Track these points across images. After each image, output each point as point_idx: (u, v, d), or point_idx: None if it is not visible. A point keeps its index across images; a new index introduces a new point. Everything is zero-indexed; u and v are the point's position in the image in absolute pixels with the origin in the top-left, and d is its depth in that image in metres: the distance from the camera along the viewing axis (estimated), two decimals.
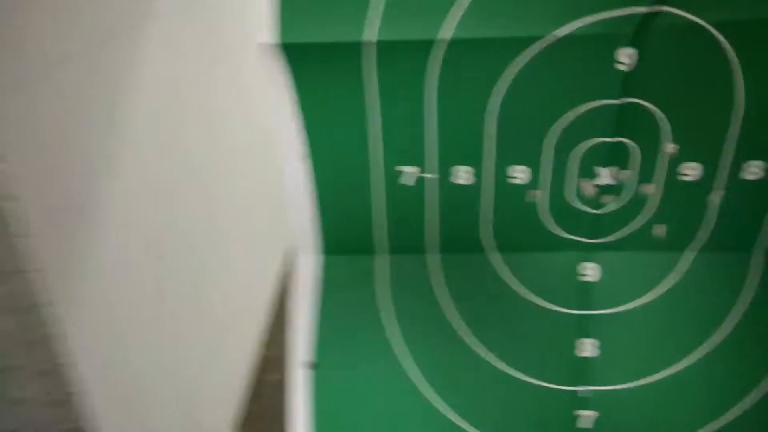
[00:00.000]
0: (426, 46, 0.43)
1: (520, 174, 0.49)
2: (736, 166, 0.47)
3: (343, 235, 0.53)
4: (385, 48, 0.43)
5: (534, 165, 0.49)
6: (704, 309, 0.53)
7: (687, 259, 0.52)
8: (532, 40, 0.42)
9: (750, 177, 0.47)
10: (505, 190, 0.50)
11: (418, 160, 0.49)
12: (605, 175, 0.49)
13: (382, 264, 0.55)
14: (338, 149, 0.49)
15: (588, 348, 0.54)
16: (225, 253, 0.93)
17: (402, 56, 0.44)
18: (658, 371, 0.54)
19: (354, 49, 0.44)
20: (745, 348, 0.53)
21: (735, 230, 0.50)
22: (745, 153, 0.46)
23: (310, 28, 0.43)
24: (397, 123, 0.47)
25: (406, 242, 0.54)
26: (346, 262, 0.55)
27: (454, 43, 0.43)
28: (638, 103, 0.45)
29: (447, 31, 0.42)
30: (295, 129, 0.48)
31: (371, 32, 0.43)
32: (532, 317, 0.55)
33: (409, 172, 0.49)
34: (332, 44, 0.43)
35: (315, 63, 0.44)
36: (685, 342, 0.54)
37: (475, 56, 0.43)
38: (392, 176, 0.50)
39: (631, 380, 0.54)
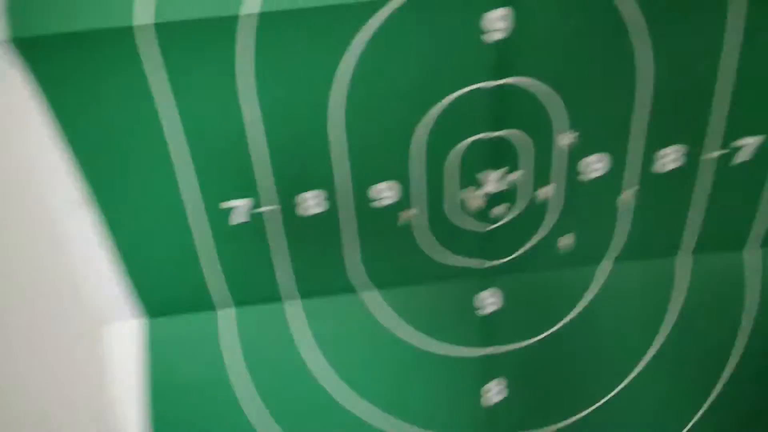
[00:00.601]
0: (226, 25, 0.30)
1: (385, 192, 0.37)
2: (649, 156, 0.37)
3: (167, 293, 0.40)
4: (165, 31, 0.30)
5: (402, 178, 0.37)
6: (628, 329, 0.44)
7: (603, 272, 0.42)
8: (372, 6, 0.31)
9: (667, 168, 0.38)
10: (368, 213, 0.38)
11: (248, 190, 0.36)
12: (492, 181, 0.38)
13: (226, 320, 0.41)
14: (133, 188, 0.35)
15: (494, 393, 0.43)
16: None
17: (190, 42, 0.31)
18: (581, 409, 0.44)
19: (125, 35, 0.30)
20: (677, 371, 0.44)
21: (655, 233, 0.41)
22: (658, 139, 0.37)
23: (50, 18, 0.30)
24: (209, 143, 0.34)
25: (255, 291, 0.41)
26: (183, 323, 0.41)
27: (266, 18, 0.30)
28: (519, 84, 0.34)
29: (251, 3, 0.30)
30: (65, 166, 0.34)
31: (146, 15, 0.30)
32: (422, 365, 0.43)
33: (239, 207, 0.37)
34: (77, 34, 0.30)
35: (60, 59, 0.30)
36: (608, 371, 0.44)
37: (296, 36, 0.31)
38: (216, 215, 0.37)
39: (547, 424, 0.44)
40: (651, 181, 0.38)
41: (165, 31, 0.30)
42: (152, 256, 0.38)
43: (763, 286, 0.43)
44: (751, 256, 0.42)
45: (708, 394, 0.44)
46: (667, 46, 0.33)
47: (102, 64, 0.31)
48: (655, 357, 0.44)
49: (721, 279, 0.43)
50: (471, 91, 0.34)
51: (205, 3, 0.30)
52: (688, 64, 0.34)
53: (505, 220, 0.40)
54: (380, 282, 0.42)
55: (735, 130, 0.36)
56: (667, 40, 0.33)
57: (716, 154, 0.37)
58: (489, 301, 0.43)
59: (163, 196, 0.36)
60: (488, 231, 0.40)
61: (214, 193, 0.36)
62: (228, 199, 0.36)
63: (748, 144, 0.37)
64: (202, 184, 0.35)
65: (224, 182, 0.36)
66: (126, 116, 0.33)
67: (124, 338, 0.41)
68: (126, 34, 0.30)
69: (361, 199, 0.37)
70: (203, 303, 0.41)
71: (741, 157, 0.38)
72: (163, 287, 0.40)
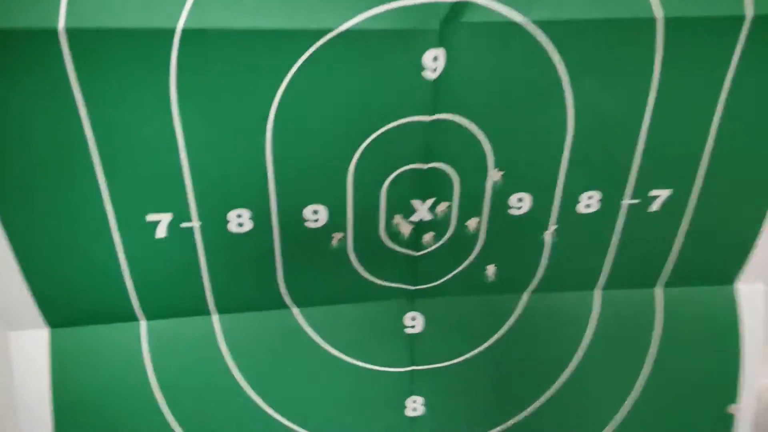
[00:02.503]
0: (148, 38, 0.30)
1: (316, 214, 0.38)
2: (571, 198, 0.39)
3: (86, 304, 0.39)
4: (78, 37, 0.30)
5: (333, 202, 0.38)
6: (545, 355, 0.46)
7: (523, 301, 0.44)
8: (310, 36, 0.31)
9: (586, 210, 0.40)
10: (299, 234, 0.38)
11: (175, 205, 0.36)
12: (421, 210, 0.39)
13: (153, 333, 0.41)
14: (52, 198, 0.34)
15: (411, 410, 0.45)
16: None
17: (110, 51, 0.30)
18: (494, 427, 0.46)
19: (49, 39, 0.29)
20: (586, 396, 0.47)
21: (573, 269, 0.43)
22: (579, 182, 0.39)
23: None
24: (134, 155, 0.34)
25: (182, 304, 0.40)
26: (106, 333, 0.40)
27: (189, 35, 0.30)
28: (452, 120, 0.35)
29: (174, 19, 0.30)
30: None
31: (59, 18, 0.29)
32: (350, 381, 0.44)
33: (164, 221, 0.36)
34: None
35: None
36: (520, 395, 0.46)
37: (224, 56, 0.31)
38: (138, 226, 0.36)
39: None
40: (572, 221, 0.40)
41: (77, 37, 0.29)
42: (68, 266, 0.37)
43: (665, 320, 0.46)
44: (658, 294, 0.45)
45: (612, 418, 0.47)
46: (588, 98, 0.35)
47: (24, 64, 0.30)
48: (566, 383, 0.46)
49: (631, 313, 0.46)
50: (406, 123, 0.35)
51: (126, 12, 0.29)
52: (608, 118, 0.36)
53: (433, 247, 0.41)
54: (310, 300, 0.42)
55: (649, 181, 0.39)
56: (588, 92, 0.35)
57: (632, 201, 0.40)
58: (413, 323, 0.44)
59: (85, 207, 0.35)
60: (416, 257, 0.41)
61: (139, 205, 0.35)
62: (154, 211, 0.36)
63: (661, 195, 0.40)
64: (127, 196, 0.35)
65: (150, 195, 0.35)
66: (47, 120, 0.32)
67: (34, 347, 0.39)
68: (51, 36, 0.29)
69: (292, 220, 0.38)
70: (127, 314, 0.40)
71: (654, 206, 0.40)
72: (82, 298, 0.39)
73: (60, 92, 0.31)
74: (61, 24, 0.29)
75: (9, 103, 0.31)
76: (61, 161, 0.33)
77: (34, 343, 0.40)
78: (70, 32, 0.29)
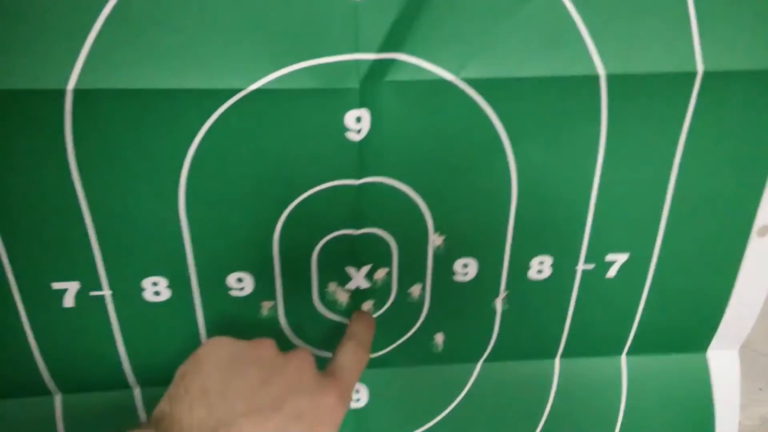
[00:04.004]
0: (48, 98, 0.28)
1: (241, 282, 0.35)
2: (521, 263, 0.36)
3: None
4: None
5: (258, 269, 0.35)
6: (499, 430, 0.42)
7: (476, 372, 0.41)
8: (217, 96, 0.29)
9: (538, 277, 0.37)
10: (222, 303, 0.35)
11: (79, 272, 0.33)
12: (357, 277, 0.36)
13: (68, 407, 0.38)
14: None
15: None
16: None
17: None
18: None
19: None
20: None
21: (530, 337, 0.39)
22: (528, 247, 0.36)
23: None
24: (33, 219, 0.31)
25: (95, 377, 0.37)
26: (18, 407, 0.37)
27: (80, 96, 0.28)
28: (384, 183, 0.33)
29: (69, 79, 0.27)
30: None
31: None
32: None
33: (68, 289, 0.33)
34: None
35: None
36: None
37: (119, 116, 0.29)
38: (44, 295, 0.33)
39: None
40: (524, 288, 0.37)
41: None
42: None
43: (632, 390, 0.42)
44: (623, 362, 0.42)
45: None
46: (531, 158, 0.32)
47: None
48: None
49: (595, 382, 0.42)
50: (332, 187, 0.32)
51: (15, 73, 0.27)
52: (554, 179, 0.33)
53: (374, 316, 0.38)
54: None
55: (604, 245, 0.36)
56: (530, 152, 0.32)
57: (587, 267, 0.37)
58: (357, 395, 0.40)
59: None
60: None
61: (43, 273, 0.32)
62: (60, 280, 0.33)
63: (617, 259, 0.37)
64: (29, 264, 0.32)
65: (54, 263, 0.32)
66: None
67: None
68: None
69: (214, 288, 0.35)
70: (39, 388, 0.37)
71: (611, 272, 0.37)
72: None
73: None
74: None
75: None
76: None
77: None
78: None
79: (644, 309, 0.39)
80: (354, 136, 0.30)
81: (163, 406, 0.27)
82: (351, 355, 0.34)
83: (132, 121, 0.28)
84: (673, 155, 0.33)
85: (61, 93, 0.27)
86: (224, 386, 0.28)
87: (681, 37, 0.30)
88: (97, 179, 0.30)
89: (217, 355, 0.29)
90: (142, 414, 0.38)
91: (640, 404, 0.42)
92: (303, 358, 0.31)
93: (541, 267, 0.37)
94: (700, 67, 0.30)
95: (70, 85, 0.27)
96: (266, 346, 0.30)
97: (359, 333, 0.36)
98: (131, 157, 0.30)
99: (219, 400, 0.27)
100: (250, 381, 0.28)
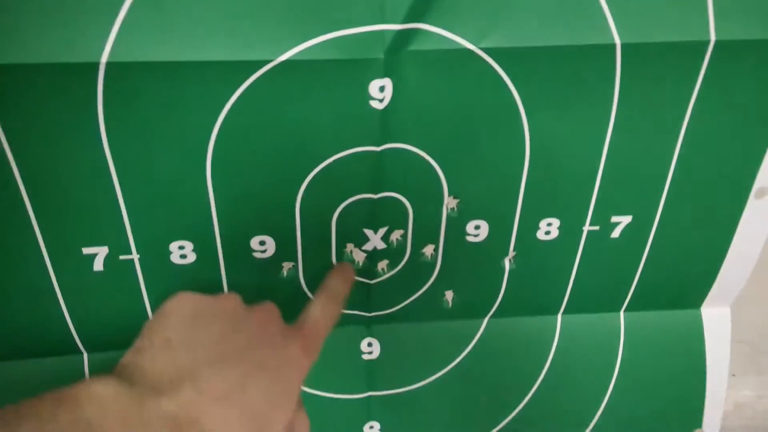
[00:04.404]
0: (81, 70, 0.28)
1: (264, 245, 0.36)
2: (530, 225, 0.38)
3: (26, 337, 0.37)
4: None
5: (280, 233, 0.36)
6: (503, 382, 0.45)
7: (482, 327, 0.43)
8: (247, 67, 0.29)
9: (545, 238, 0.39)
10: (245, 265, 0.37)
11: (108, 237, 0.34)
12: (374, 239, 0.38)
13: (96, 366, 0.39)
14: None
15: None
16: None
17: (28, 88, 0.28)
18: None
19: None
20: (547, 421, 0.46)
21: (534, 295, 0.42)
22: (538, 209, 0.37)
23: None
24: (63, 187, 0.32)
25: (122, 337, 0.38)
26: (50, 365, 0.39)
27: (112, 68, 0.28)
28: (403, 149, 0.34)
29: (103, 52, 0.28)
30: None
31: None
32: (306, 407, 0.43)
33: (98, 254, 0.34)
34: None
35: None
36: (480, 421, 0.45)
37: (150, 88, 0.29)
38: (74, 260, 0.34)
39: None
40: (532, 248, 0.39)
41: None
42: (4, 300, 0.35)
43: (629, 344, 0.45)
44: (621, 318, 0.44)
45: None
46: (545, 125, 0.34)
47: None
48: (526, 408, 0.45)
49: (593, 337, 0.45)
50: (354, 153, 0.33)
51: (49, 47, 0.27)
52: (566, 145, 0.35)
53: (388, 275, 0.40)
54: None
55: (609, 208, 0.38)
56: (545, 120, 0.33)
57: (593, 228, 0.38)
58: (369, 349, 0.43)
59: (18, 241, 0.33)
60: (371, 285, 0.40)
61: (73, 239, 0.33)
62: (89, 245, 0.34)
63: (622, 221, 0.38)
64: (60, 230, 0.33)
65: (84, 228, 0.33)
66: None
67: None
68: None
69: (238, 251, 0.36)
70: (68, 348, 0.38)
71: (615, 233, 0.39)
72: (21, 332, 0.37)
73: None
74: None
75: None
76: None
77: None
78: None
79: (644, 268, 0.41)
80: (377, 105, 0.31)
81: (128, 357, 0.28)
82: (321, 308, 0.34)
83: (162, 93, 0.29)
84: (681, 122, 0.35)
85: (95, 66, 0.28)
86: (188, 337, 0.28)
87: (696, 6, 0.31)
88: (126, 149, 0.31)
89: (182, 308, 0.29)
90: None
91: (636, 357, 0.45)
92: (267, 311, 0.31)
93: (549, 228, 0.38)
94: (713, 36, 0.31)
95: (104, 59, 0.27)
96: (231, 300, 0.31)
97: (334, 286, 0.36)
98: (160, 127, 0.30)
99: (182, 351, 0.27)
100: (214, 333, 0.28)
